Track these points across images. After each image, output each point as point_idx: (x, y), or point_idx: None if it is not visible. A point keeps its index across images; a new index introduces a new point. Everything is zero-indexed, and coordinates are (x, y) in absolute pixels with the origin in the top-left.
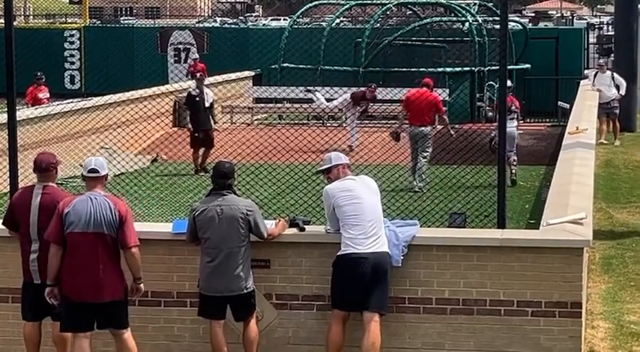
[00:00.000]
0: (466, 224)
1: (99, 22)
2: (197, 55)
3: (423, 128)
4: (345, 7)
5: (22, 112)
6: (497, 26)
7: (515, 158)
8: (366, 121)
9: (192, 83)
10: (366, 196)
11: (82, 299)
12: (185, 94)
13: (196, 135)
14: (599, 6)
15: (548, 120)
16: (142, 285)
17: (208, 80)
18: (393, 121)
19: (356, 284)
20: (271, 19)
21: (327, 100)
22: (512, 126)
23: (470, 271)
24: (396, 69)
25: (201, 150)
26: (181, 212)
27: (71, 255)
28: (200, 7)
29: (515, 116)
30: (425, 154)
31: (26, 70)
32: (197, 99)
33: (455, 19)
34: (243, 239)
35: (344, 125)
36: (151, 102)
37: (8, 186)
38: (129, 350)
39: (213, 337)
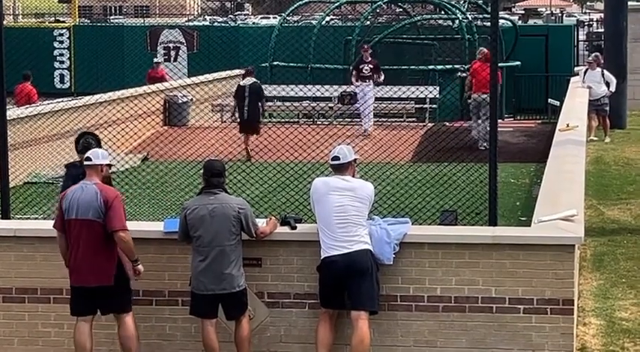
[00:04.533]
0: (458, 221)
1: (88, 21)
2: (160, 59)
3: (485, 95)
4: (335, 4)
5: (13, 111)
6: (487, 24)
7: None
8: (357, 119)
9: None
10: (337, 199)
11: (76, 283)
12: (173, 93)
13: (243, 120)
14: (588, 3)
15: (538, 117)
16: (140, 266)
17: (198, 78)
18: (384, 119)
19: (331, 285)
20: (261, 18)
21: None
22: None
23: (462, 268)
24: (387, 67)
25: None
26: (173, 211)
27: (68, 241)
28: (190, 6)
29: None
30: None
31: (16, 69)
32: (243, 90)
33: (445, 16)
34: (234, 237)
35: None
36: (141, 100)
37: None
38: (127, 335)
39: (205, 336)
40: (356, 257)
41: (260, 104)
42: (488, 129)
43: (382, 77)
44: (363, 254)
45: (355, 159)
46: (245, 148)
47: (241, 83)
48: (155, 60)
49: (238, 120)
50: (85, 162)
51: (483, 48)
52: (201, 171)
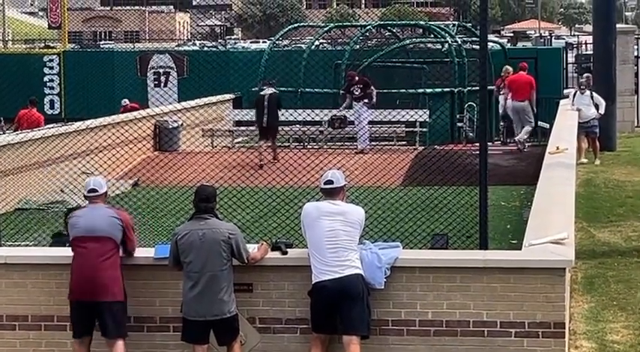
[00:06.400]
0: (448, 245)
1: (78, 46)
2: (127, 101)
3: (522, 103)
4: (325, 29)
5: (3, 138)
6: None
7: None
8: (348, 143)
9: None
10: (328, 224)
11: (81, 297)
12: (164, 119)
13: (262, 127)
14: (577, 25)
15: (528, 140)
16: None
17: (188, 103)
18: (375, 143)
19: (322, 310)
20: (251, 42)
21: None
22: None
23: (453, 292)
24: (377, 91)
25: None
26: (164, 236)
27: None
28: (179, 31)
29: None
30: (527, 122)
31: (7, 95)
32: (263, 99)
33: (434, 40)
34: (225, 262)
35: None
36: (132, 126)
37: None
38: None
39: None
40: (347, 282)
41: (278, 112)
42: (527, 132)
43: (374, 92)
44: (354, 278)
45: (345, 185)
46: (273, 150)
47: (261, 93)
48: (123, 102)
49: (257, 127)
50: (91, 194)
51: (523, 62)
52: (193, 196)
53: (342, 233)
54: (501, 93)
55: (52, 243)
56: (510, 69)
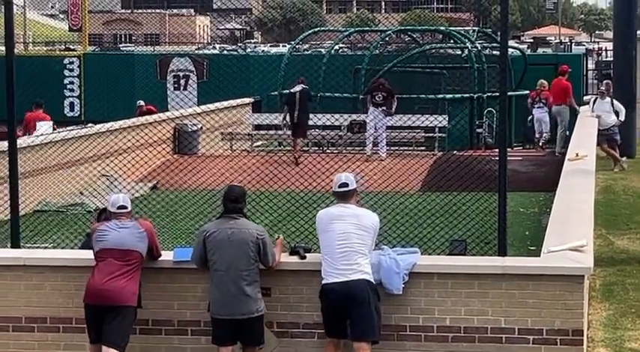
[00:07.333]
0: (467, 251)
1: (98, 49)
2: (142, 102)
3: (559, 107)
4: (345, 33)
5: (24, 140)
6: (496, 52)
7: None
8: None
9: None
10: (340, 226)
11: (98, 301)
12: (183, 122)
13: (294, 123)
14: (597, 32)
15: (547, 146)
16: None
17: (208, 107)
18: (395, 147)
19: (331, 313)
20: (270, 46)
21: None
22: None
23: (471, 299)
24: (396, 95)
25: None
26: (182, 240)
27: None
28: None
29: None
30: (563, 124)
31: (28, 98)
32: (294, 96)
33: (454, 45)
34: (252, 262)
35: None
36: (152, 129)
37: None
38: None
39: None
40: (353, 286)
41: (308, 108)
42: (561, 138)
43: (395, 103)
44: (360, 283)
45: (356, 188)
46: (295, 152)
47: (292, 91)
48: (138, 103)
49: (289, 123)
50: (121, 210)
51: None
52: (214, 198)
53: (354, 236)
54: (536, 106)
55: (84, 242)
56: (545, 83)
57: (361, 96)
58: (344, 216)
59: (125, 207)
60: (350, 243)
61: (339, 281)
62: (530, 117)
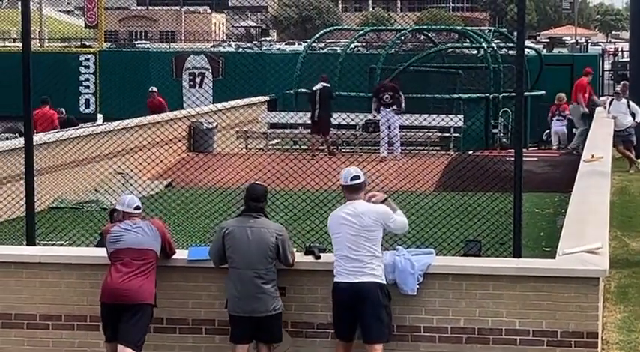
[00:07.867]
0: (482, 252)
1: (114, 46)
2: (154, 88)
3: (573, 105)
4: (360, 33)
5: (40, 136)
6: (512, 52)
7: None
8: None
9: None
10: (347, 230)
11: (115, 300)
12: (198, 120)
13: (313, 121)
14: (613, 32)
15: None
16: None
17: (224, 105)
18: (412, 147)
19: (340, 313)
20: (286, 44)
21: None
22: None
23: (485, 300)
24: (411, 95)
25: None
26: (197, 238)
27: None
28: (215, 32)
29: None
30: (579, 125)
31: (44, 94)
32: (315, 94)
33: (470, 45)
34: (270, 261)
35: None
36: (167, 127)
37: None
38: None
39: None
40: (362, 287)
41: (329, 105)
42: (579, 134)
43: (402, 98)
44: (370, 285)
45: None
46: (327, 147)
47: (314, 89)
48: (150, 88)
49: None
50: (136, 211)
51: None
52: (229, 197)
53: (361, 238)
54: (555, 119)
55: (99, 242)
56: (564, 96)
57: (373, 103)
58: (349, 220)
59: (140, 208)
60: (358, 247)
61: (349, 282)
62: (547, 131)
